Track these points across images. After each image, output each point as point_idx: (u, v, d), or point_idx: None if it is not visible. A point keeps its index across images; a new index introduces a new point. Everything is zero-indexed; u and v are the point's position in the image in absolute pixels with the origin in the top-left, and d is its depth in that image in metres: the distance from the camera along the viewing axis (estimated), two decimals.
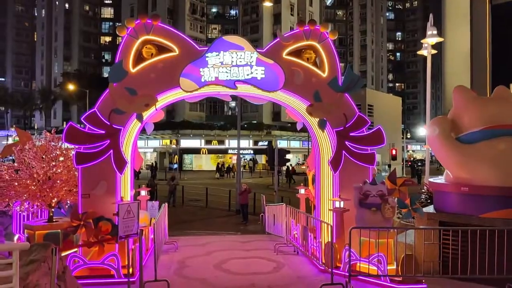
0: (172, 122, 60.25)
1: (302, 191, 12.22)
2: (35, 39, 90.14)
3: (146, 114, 9.67)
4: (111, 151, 8.79)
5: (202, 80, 9.12)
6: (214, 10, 70.90)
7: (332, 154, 9.55)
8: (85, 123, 8.80)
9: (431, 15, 14.98)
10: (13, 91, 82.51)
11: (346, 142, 9.47)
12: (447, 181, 8.43)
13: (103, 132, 8.80)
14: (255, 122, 61.04)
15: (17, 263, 5.59)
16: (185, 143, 57.98)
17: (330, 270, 8.13)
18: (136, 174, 41.16)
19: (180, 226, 16.72)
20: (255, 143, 59.24)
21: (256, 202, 20.26)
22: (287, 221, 11.70)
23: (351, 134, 9.49)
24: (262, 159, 58.56)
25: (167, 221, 12.32)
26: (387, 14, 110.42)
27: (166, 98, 9.73)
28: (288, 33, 9.71)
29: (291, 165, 36.70)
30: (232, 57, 9.13)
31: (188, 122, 59.50)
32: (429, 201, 11.25)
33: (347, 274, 7.62)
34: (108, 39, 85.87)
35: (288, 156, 24.23)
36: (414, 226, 9.35)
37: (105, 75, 76.20)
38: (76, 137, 8.73)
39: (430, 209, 8.77)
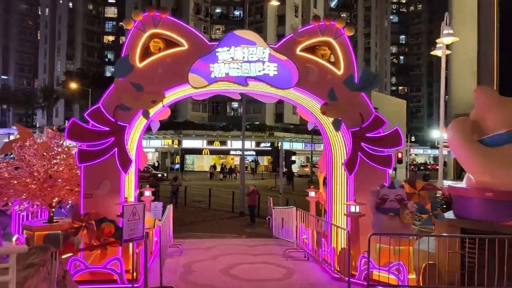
0: (175, 122, 59.79)
1: (312, 194, 11.77)
2: (39, 38, 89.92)
3: (152, 111, 9.25)
4: (116, 149, 8.35)
5: (212, 76, 8.69)
6: (218, 10, 70.51)
7: (347, 156, 9.10)
8: (88, 119, 8.38)
9: (446, 14, 14.55)
10: (15, 89, 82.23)
11: (362, 144, 9.02)
12: (469, 186, 7.99)
13: (108, 129, 8.37)
14: (257, 123, 60.54)
15: (14, 267, 5.17)
16: (187, 143, 57.55)
17: (346, 278, 7.68)
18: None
19: (184, 228, 16.24)
20: (257, 144, 58.77)
21: (261, 204, 19.77)
22: (297, 225, 11.24)
23: (367, 135, 9.04)
24: (264, 161, 58.11)
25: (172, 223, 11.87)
26: (391, 17, 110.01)
27: (173, 95, 9.31)
28: (302, 28, 9.28)
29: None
30: (244, 53, 8.70)
31: (190, 122, 59.06)
32: (444, 206, 10.79)
33: (365, 283, 7.18)
34: (111, 38, 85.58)
35: (293, 158, 23.81)
36: (433, 232, 8.91)
37: (108, 74, 75.96)
38: (79, 134, 8.30)
39: (449, 215, 8.34)
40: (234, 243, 12.56)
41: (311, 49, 9.19)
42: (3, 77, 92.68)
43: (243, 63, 8.70)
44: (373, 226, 8.29)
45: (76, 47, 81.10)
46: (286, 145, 55.18)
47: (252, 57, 8.69)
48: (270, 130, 58.60)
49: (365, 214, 8.67)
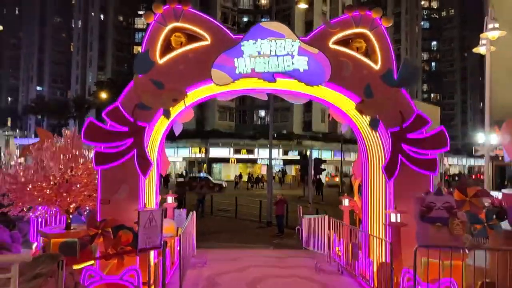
0: (202, 131, 59.84)
1: (346, 202, 10.87)
2: (71, 50, 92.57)
3: (174, 112, 8.67)
4: (135, 151, 7.78)
5: (237, 72, 8.03)
6: (245, 19, 70.61)
7: (386, 159, 8.21)
8: (106, 119, 7.86)
9: (490, 9, 13.41)
10: (49, 100, 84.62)
11: (403, 145, 8.12)
12: None
13: (126, 129, 7.82)
14: (285, 132, 59.76)
15: (16, 277, 4.61)
16: (214, 152, 57.33)
17: None
18: (165, 183, 40.61)
19: (209, 237, 15.62)
20: (285, 153, 57.90)
21: (289, 214, 18.94)
22: (330, 235, 10.37)
23: (408, 135, 8.14)
24: (292, 170, 57.10)
25: (195, 231, 11.23)
26: (422, 23, 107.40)
27: (196, 94, 8.70)
28: (335, 19, 8.52)
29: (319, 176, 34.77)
30: (271, 46, 8.01)
31: (217, 131, 58.92)
32: (494, 216, 9.67)
33: None
34: (140, 48, 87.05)
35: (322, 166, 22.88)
36: (486, 245, 7.86)
37: None
38: (96, 135, 7.78)
39: (506, 226, 7.32)
40: (262, 254, 11.79)
41: (345, 42, 8.40)
42: (38, 88, 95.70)
43: (270, 57, 8.01)
44: (417, 237, 7.34)
45: (107, 58, 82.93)
46: (315, 154, 54.05)
47: (280, 51, 7.99)
48: (298, 138, 57.65)
49: (408, 223, 7.75)
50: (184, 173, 51.13)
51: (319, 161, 19.95)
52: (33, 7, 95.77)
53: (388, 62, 8.27)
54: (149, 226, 6.18)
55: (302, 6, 22.60)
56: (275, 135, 53.60)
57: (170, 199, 10.39)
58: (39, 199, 7.90)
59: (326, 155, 59.02)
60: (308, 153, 20.19)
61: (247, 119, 66.83)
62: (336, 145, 53.85)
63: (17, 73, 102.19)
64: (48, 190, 7.95)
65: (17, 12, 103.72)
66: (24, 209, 8.15)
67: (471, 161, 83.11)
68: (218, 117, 63.71)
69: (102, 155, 7.75)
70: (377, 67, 8.27)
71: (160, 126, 8.83)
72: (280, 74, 8.12)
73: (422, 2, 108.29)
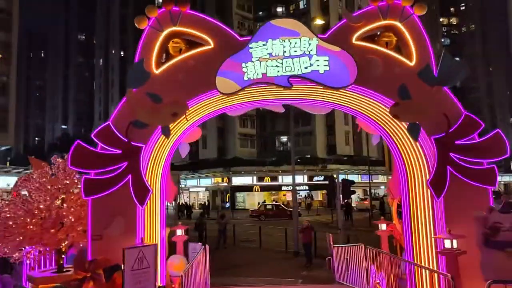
0: (223, 159, 58.85)
1: (383, 226, 9.34)
2: (94, 87, 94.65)
3: (177, 130, 7.54)
4: (130, 176, 6.63)
5: (245, 78, 6.87)
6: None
7: (432, 173, 6.77)
8: (96, 141, 6.76)
9: None
10: (73, 137, 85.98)
11: (452, 154, 6.69)
12: None
13: (119, 151, 6.70)
14: (308, 156, 58.08)
15: None
16: (237, 180, 56.04)
17: None
18: (188, 214, 39.40)
19: (231, 271, 14.17)
20: (310, 178, 56.02)
21: (318, 242, 17.28)
22: (367, 267, 8.83)
23: (457, 142, 6.71)
24: (318, 195, 55.06)
25: (209, 267, 9.85)
26: (442, 40, 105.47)
27: (201, 108, 7.55)
28: (358, 11, 7.32)
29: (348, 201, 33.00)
30: (284, 46, 6.84)
31: (239, 159, 57.80)
32: None
33: None
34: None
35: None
36: None
37: None
38: (85, 159, 6.68)
39: None
40: None
41: (371, 37, 7.17)
42: (63, 126, 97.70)
43: (284, 59, 6.82)
44: (483, 268, 5.82)
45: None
46: (342, 177, 52.06)
47: (295, 51, 6.80)
48: (323, 162, 55.86)
49: (466, 251, 6.23)
50: (206, 203, 49.83)
51: (348, 183, 18.35)
52: (57, 49, 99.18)
53: (425, 56, 6.96)
54: (139, 267, 4.92)
55: (319, 22, 21.61)
56: (298, 160, 52.18)
57: (179, 232, 9.09)
58: (20, 237, 6.77)
59: (353, 178, 56.80)
60: (334, 175, 18.66)
61: (268, 145, 65.57)
62: (363, 168, 51.79)
63: (43, 113, 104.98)
64: (32, 226, 6.83)
65: (42, 55, 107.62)
66: (6, 250, 7.02)
67: (507, 178, 78.99)
68: (239, 144, 62.71)
69: (92, 183, 6.61)
70: (412, 63, 6.97)
71: (162, 147, 7.67)
72: (297, 78, 6.91)
73: (441, 19, 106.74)
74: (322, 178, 53.89)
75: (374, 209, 36.83)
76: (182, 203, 45.15)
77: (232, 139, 63.41)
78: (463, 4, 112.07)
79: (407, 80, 6.84)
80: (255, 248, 20.77)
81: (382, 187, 59.98)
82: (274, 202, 45.50)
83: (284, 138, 64.41)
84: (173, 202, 38.81)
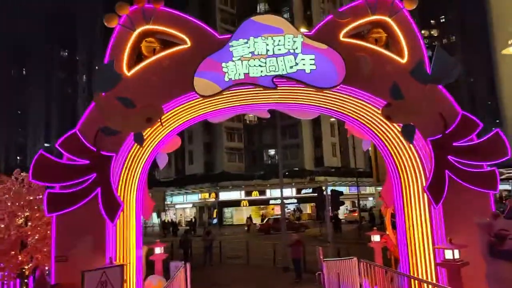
0: (211, 174, 57.97)
1: (376, 238, 8.79)
2: (77, 103, 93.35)
3: (155, 139, 6.94)
4: (99, 189, 5.97)
5: (226, 79, 6.33)
6: None
7: (429, 177, 6.27)
8: (61, 150, 6.11)
9: None
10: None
11: (449, 157, 6.21)
12: None
13: (87, 162, 6.06)
14: (296, 169, 57.60)
15: None
16: (225, 195, 55.13)
17: None
18: (174, 231, 38.27)
19: None
20: (298, 191, 55.49)
21: (308, 256, 16.62)
22: (361, 282, 8.24)
23: (455, 144, 6.24)
24: (307, 208, 54.46)
25: (190, 286, 9.15)
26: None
27: (178, 114, 6.97)
28: (345, 7, 6.87)
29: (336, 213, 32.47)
30: (267, 44, 6.34)
31: (227, 173, 56.98)
32: None
33: None
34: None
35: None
36: None
37: None
38: (48, 171, 6.02)
39: None
40: None
41: (359, 34, 6.73)
42: (46, 145, 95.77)
43: (267, 58, 6.32)
44: (489, 279, 5.28)
45: None
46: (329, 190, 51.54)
47: (279, 49, 6.31)
48: (311, 174, 55.41)
49: (469, 262, 5.70)
50: (193, 220, 48.72)
51: (337, 193, 17.76)
52: (39, 66, 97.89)
53: (417, 53, 6.53)
54: None
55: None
56: (286, 173, 51.65)
57: (158, 250, 8.40)
58: None
59: (341, 190, 56.45)
60: (323, 187, 18.07)
61: (256, 159, 64.97)
62: (350, 179, 51.47)
63: (25, 132, 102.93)
64: None
65: (24, 72, 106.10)
66: None
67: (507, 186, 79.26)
68: (227, 158, 61.98)
69: (57, 198, 5.94)
70: (403, 60, 6.53)
71: (137, 158, 7.04)
72: (282, 79, 6.40)
73: (423, 31, 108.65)
74: (310, 190, 53.37)
75: (364, 221, 36.41)
76: (168, 220, 44.02)
77: (219, 154, 62.65)
78: (443, 16, 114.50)
79: (399, 78, 6.39)
80: (242, 264, 19.98)
81: (371, 198, 59.69)
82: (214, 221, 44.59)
83: (272, 152, 63.90)
84: (158, 219, 37.73)
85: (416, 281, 6.67)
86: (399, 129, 6.60)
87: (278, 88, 6.60)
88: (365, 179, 52.49)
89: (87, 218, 5.95)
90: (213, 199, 53.90)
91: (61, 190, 5.97)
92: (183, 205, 59.53)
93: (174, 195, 57.92)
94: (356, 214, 40.92)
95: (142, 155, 7.15)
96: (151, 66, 6.45)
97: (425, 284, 6.45)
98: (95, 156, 6.04)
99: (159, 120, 6.28)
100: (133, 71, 6.43)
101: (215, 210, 53.91)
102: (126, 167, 6.64)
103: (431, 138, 6.28)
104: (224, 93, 6.68)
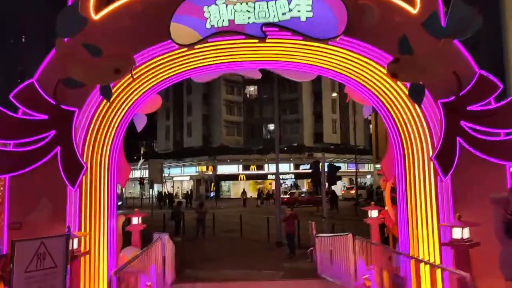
0: (209, 148, 57.34)
1: (373, 213, 8.10)
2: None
3: (132, 96, 6.15)
4: (58, 148, 5.21)
5: (208, 26, 5.46)
6: None
7: (438, 145, 5.49)
8: (16, 103, 5.32)
9: None
10: None
11: (462, 122, 5.41)
12: None
13: (45, 117, 5.27)
14: (295, 144, 56.94)
15: None
16: (222, 169, 54.71)
17: None
18: (170, 203, 37.82)
19: (208, 264, 12.89)
20: (297, 167, 55.01)
21: (302, 232, 16.07)
22: (355, 260, 7.59)
23: (469, 108, 5.43)
24: (304, 184, 54.10)
25: (173, 260, 8.53)
26: None
27: (156, 68, 6.13)
28: None
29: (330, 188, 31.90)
30: None
31: (225, 147, 56.36)
32: None
33: None
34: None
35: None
36: None
37: None
38: (1, 126, 5.23)
39: None
40: (268, 286, 9.03)
41: None
42: None
43: (256, 2, 5.44)
44: (503, 263, 4.59)
45: None
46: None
47: None
48: (309, 151, 54.79)
49: (480, 242, 4.99)
50: (189, 192, 48.39)
51: (334, 168, 17.08)
52: None
53: (431, 2, 5.63)
54: (39, 267, 3.54)
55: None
56: (285, 148, 51.06)
57: (136, 220, 7.72)
58: None
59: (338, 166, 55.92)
60: (320, 162, 17.33)
61: (255, 133, 64.23)
62: (349, 156, 50.88)
63: None
64: None
65: None
66: None
67: None
68: (225, 132, 61.24)
69: (10, 157, 5.19)
70: (415, 10, 5.63)
71: (109, 116, 6.23)
72: (273, 27, 5.54)
73: None
74: (308, 166, 52.83)
75: (360, 198, 36.05)
76: (164, 192, 43.65)
77: (217, 127, 61.85)
78: None
79: (408, 31, 5.52)
80: (236, 238, 19.52)
81: (369, 176, 59.28)
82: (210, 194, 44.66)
83: (271, 126, 63.00)
84: (150, 189, 37.19)
85: (417, 262, 5.99)
86: (405, 90, 5.78)
87: (268, 40, 5.76)
88: (364, 157, 51.93)
89: (46, 182, 5.23)
90: (211, 172, 53.51)
91: (15, 148, 5.21)
92: (181, 177, 59.20)
93: (172, 167, 57.50)
94: (354, 192, 40.54)
95: (115, 114, 6.35)
96: (121, 10, 5.57)
97: (427, 266, 5.77)
98: (55, 111, 5.26)
99: (130, 72, 5.44)
100: (101, 14, 5.55)
101: (213, 184, 53.60)
102: (94, 126, 5.85)
103: (442, 100, 5.47)
104: (206, 44, 5.85)
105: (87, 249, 5.63)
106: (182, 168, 58.46)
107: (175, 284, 8.92)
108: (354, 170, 41.99)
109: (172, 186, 56.81)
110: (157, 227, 18.76)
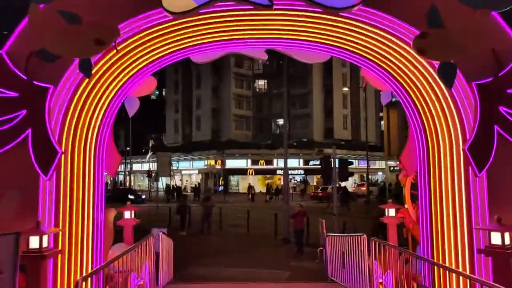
0: (218, 142, 56.80)
1: (391, 212, 7.28)
2: None
3: (123, 76, 5.45)
4: (29, 131, 4.51)
5: None
6: None
7: (472, 136, 4.68)
8: None
9: None
10: None
11: (501, 108, 4.59)
12: None
13: (15, 94, 4.57)
14: (305, 140, 56.08)
15: None
16: (231, 163, 54.15)
17: None
18: (178, 196, 37.27)
19: (211, 261, 12.29)
20: (306, 162, 54.17)
21: (311, 229, 15.34)
22: (370, 263, 6.81)
23: (510, 91, 4.61)
24: (314, 180, 53.24)
25: (171, 257, 7.85)
26: None
27: (148, 44, 5.41)
28: None
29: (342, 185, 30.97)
30: None
31: (234, 141, 55.74)
32: None
33: None
34: None
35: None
36: None
37: None
38: None
39: None
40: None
41: None
42: None
43: None
44: None
45: None
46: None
47: None
48: (319, 146, 53.84)
49: None
50: (197, 186, 47.91)
51: (345, 163, 16.27)
52: None
53: None
54: None
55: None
56: (294, 143, 50.20)
57: (128, 214, 7.03)
58: None
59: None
60: (331, 157, 16.52)
61: (264, 128, 63.47)
62: (360, 153, 49.87)
63: None
64: None
65: None
66: None
67: None
68: (234, 126, 60.62)
69: None
70: None
71: (94, 96, 5.52)
72: None
73: None
74: (318, 162, 51.89)
75: (371, 195, 35.23)
76: (173, 185, 43.22)
77: (226, 121, 61.25)
78: None
79: (438, 0, 4.69)
80: (242, 233, 18.93)
81: (380, 173, 58.19)
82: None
83: (281, 121, 62.15)
84: (156, 183, 36.69)
85: (441, 269, 5.20)
86: (431, 71, 4.98)
87: (277, 13, 5.00)
88: (375, 153, 50.87)
89: (15, 169, 4.53)
90: (219, 167, 52.98)
91: None
92: (189, 171, 58.84)
93: (181, 160, 57.09)
94: (365, 188, 39.59)
95: (102, 95, 5.64)
96: None
97: (453, 274, 4.97)
98: (26, 87, 4.55)
99: (113, 44, 4.71)
100: None
101: (221, 178, 53.09)
102: (75, 108, 5.15)
103: (477, 82, 4.65)
104: (205, 16, 5.11)
105: (66, 247, 4.96)
106: (191, 161, 58.05)
107: (172, 283, 8.27)
108: (365, 167, 41.04)
109: (181, 180, 56.45)
110: (162, 222, 18.21)
